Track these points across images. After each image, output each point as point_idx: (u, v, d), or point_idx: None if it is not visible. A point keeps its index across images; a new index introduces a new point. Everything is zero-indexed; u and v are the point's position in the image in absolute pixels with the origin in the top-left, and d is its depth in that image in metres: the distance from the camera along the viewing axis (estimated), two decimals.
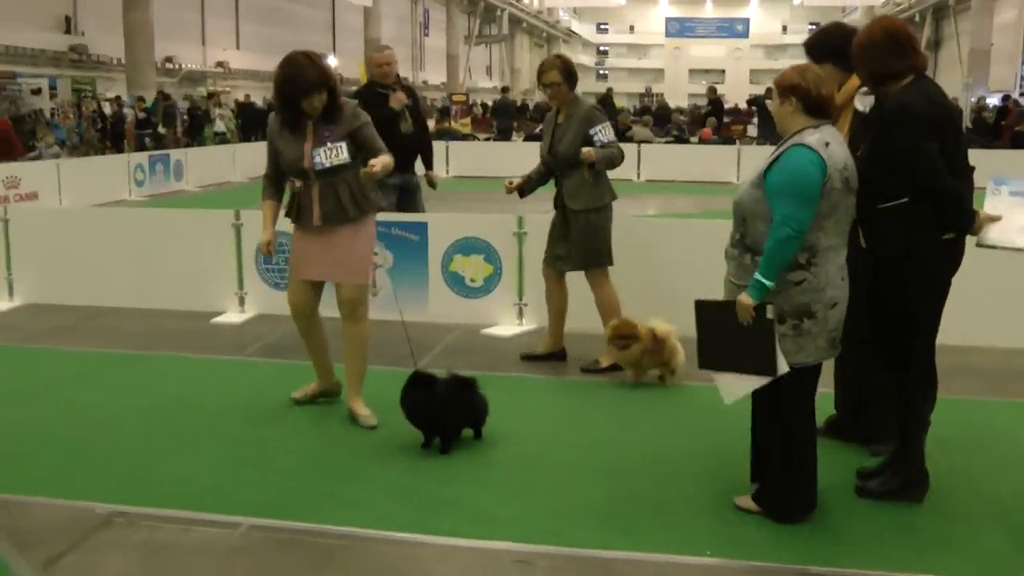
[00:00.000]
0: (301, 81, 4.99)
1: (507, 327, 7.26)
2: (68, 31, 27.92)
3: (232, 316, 7.75)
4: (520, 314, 7.30)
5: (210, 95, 28.91)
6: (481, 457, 4.83)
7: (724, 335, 3.94)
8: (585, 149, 5.99)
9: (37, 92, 21.10)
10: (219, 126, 23.55)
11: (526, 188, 6.45)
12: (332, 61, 41.40)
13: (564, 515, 4.16)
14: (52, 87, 22.02)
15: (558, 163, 6.16)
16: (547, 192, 6.49)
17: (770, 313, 3.83)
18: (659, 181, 19.57)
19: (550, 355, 6.48)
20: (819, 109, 3.93)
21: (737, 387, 4.01)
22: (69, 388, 6.04)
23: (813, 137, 3.84)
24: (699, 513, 4.19)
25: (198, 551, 3.89)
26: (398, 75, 7.75)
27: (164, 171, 17.63)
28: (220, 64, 36.09)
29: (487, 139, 26.04)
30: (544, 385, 6.05)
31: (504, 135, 25.97)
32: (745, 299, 3.83)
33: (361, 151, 5.15)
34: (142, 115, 22.94)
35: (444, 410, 4.82)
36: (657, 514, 4.18)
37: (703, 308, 4.04)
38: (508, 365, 6.39)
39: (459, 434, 4.94)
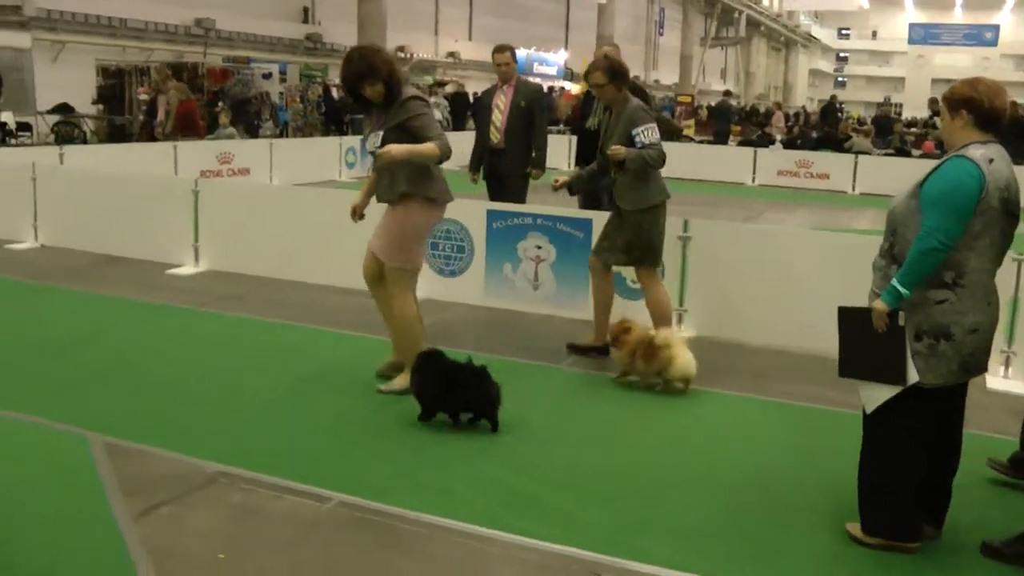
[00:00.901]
0: (347, 73, 5.41)
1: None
2: (306, 21, 29.50)
3: None
4: (679, 320, 7.06)
5: (435, 84, 29.74)
6: (575, 460, 4.70)
7: (863, 343, 3.77)
8: (614, 147, 5.95)
9: (267, 76, 22.31)
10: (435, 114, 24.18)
11: (574, 185, 6.55)
12: (562, 55, 41.83)
13: (646, 528, 3.98)
14: (282, 72, 23.26)
15: (607, 162, 6.09)
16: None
17: (901, 320, 3.67)
18: (874, 195, 18.57)
19: (594, 348, 6.42)
20: (990, 122, 3.73)
21: (877, 395, 3.79)
22: (221, 351, 6.35)
23: (978, 152, 3.65)
24: (793, 541, 3.90)
25: (283, 519, 3.97)
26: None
27: None
28: (451, 54, 37.12)
29: (701, 142, 25.52)
30: (663, 398, 5.80)
31: (720, 138, 25.41)
32: (879, 305, 3.68)
33: (415, 141, 5.28)
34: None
35: (450, 391, 4.95)
36: (746, 539, 3.93)
37: (845, 315, 3.87)
38: None
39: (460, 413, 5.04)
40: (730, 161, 20.82)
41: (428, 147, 5.26)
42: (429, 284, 7.83)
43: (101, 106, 21.94)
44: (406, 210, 5.44)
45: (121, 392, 5.49)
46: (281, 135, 21.93)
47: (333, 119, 23.20)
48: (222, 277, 8.57)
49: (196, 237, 8.90)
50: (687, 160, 19.76)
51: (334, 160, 16.98)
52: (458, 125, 25.48)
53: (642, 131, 5.99)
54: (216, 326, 7.03)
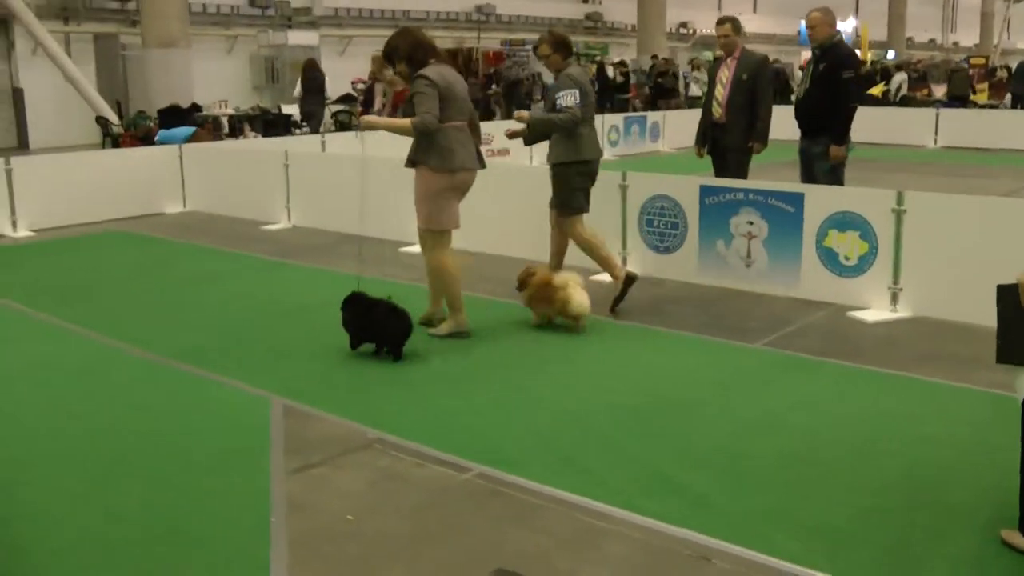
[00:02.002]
0: (382, 53, 6.20)
1: (877, 312, 6.58)
2: (585, 1, 29.78)
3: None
4: (894, 300, 6.57)
5: (714, 58, 29.09)
6: (731, 442, 4.48)
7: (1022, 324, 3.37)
8: (517, 113, 7.01)
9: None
10: (694, 90, 23.61)
11: (527, 138, 7.10)
12: (851, 23, 39.64)
13: (776, 518, 3.75)
14: None
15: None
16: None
17: None
18: None
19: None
20: None
21: None
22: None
23: None
24: (936, 548, 3.54)
25: (419, 485, 4.10)
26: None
27: (640, 132, 18.20)
28: None
29: (992, 107, 23.22)
30: (869, 377, 5.42)
31: (1019, 102, 23.05)
32: None
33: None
34: (620, 79, 23.77)
35: (378, 324, 5.72)
36: (883, 540, 3.60)
37: (1004, 293, 3.45)
38: (854, 353, 5.80)
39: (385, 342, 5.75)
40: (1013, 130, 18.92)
41: (403, 122, 5.93)
42: (644, 260, 7.78)
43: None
44: (418, 176, 6.06)
45: (322, 359, 5.86)
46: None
47: (608, 98, 23.28)
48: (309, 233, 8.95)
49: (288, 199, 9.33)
50: (971, 127, 18.31)
51: None
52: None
53: (561, 95, 6.55)
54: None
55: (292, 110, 20.48)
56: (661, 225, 7.67)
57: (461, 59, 22.67)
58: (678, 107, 22.60)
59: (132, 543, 3.64)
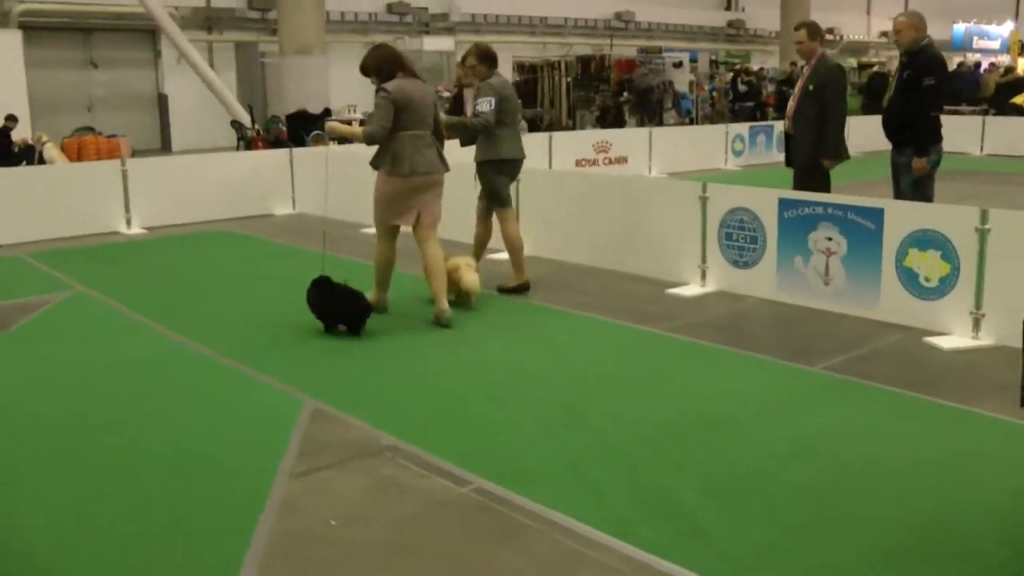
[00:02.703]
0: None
1: (956, 338, 6.15)
2: (728, 8, 29.23)
3: (689, 289, 7.65)
4: (975, 326, 6.13)
5: (860, 65, 28.15)
6: (769, 472, 4.23)
7: None
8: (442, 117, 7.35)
9: (678, 65, 22.39)
10: None
11: (460, 139, 7.62)
12: (1008, 27, 37.66)
13: (780, 557, 3.51)
14: (693, 60, 23.22)
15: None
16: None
17: None
18: None
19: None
20: None
21: None
22: (500, 335, 6.55)
23: None
24: None
25: (417, 496, 4.03)
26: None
27: (766, 142, 17.69)
28: (884, 34, 34.88)
29: None
30: (928, 408, 5.05)
31: None
32: None
33: None
34: (743, 88, 23.15)
35: (339, 305, 6.41)
36: None
37: None
38: (922, 382, 5.43)
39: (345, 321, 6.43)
40: None
41: (356, 130, 7.09)
42: (723, 275, 7.54)
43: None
44: (377, 176, 6.78)
45: (370, 363, 5.90)
46: (691, 123, 21.97)
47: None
48: (538, 263, 8.77)
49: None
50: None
51: (719, 148, 16.68)
52: (874, 106, 23.83)
53: (479, 102, 7.31)
54: (499, 311, 7.28)
55: None
56: (740, 239, 7.41)
57: (593, 66, 22.53)
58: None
59: (124, 532, 3.72)
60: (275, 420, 4.92)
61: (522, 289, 7.62)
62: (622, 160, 15.37)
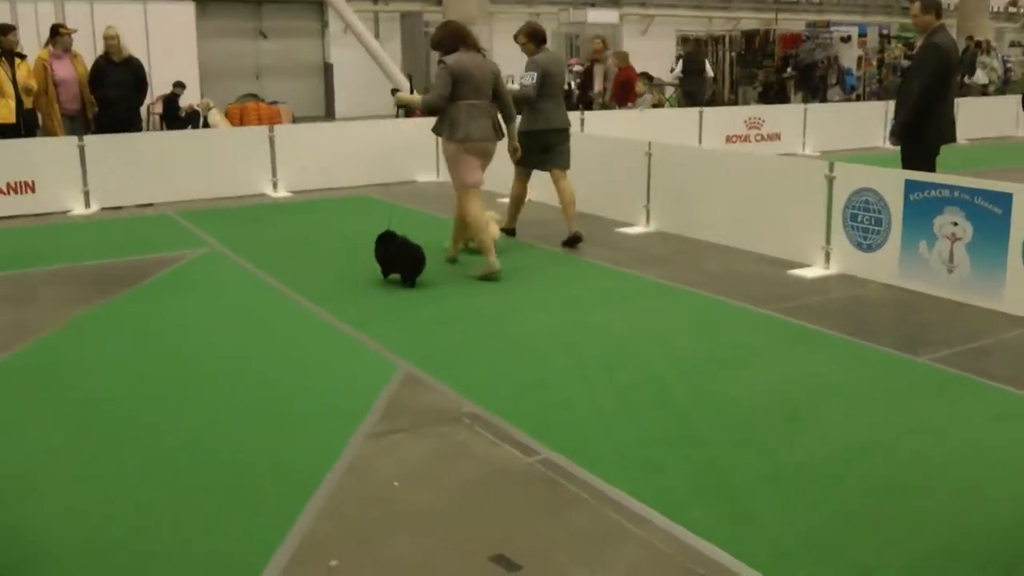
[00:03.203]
0: None
1: None
2: None
3: (812, 271, 7.45)
4: None
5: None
6: (838, 466, 4.10)
7: None
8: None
9: (846, 40, 21.54)
10: (979, 76, 21.32)
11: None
12: None
13: (825, 553, 3.41)
14: (862, 34, 22.28)
15: None
16: None
17: None
18: None
19: (505, 231, 8.50)
20: None
21: None
22: (583, 306, 6.57)
23: None
24: None
25: (483, 463, 4.12)
26: None
27: None
28: None
29: None
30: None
31: None
32: None
33: None
34: (905, 63, 21.92)
35: (394, 256, 7.05)
36: None
37: None
38: None
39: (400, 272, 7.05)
40: None
41: (415, 97, 8.29)
42: (847, 258, 7.30)
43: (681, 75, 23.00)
44: (442, 143, 7.39)
45: (470, 332, 6.03)
46: (858, 99, 21.18)
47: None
48: (664, 239, 8.74)
49: (648, 198, 9.17)
50: None
51: (877, 126, 15.95)
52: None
53: (524, 76, 8.17)
54: (614, 285, 7.27)
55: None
56: (865, 220, 7.14)
57: (758, 41, 21.95)
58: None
59: (189, 483, 3.95)
60: (367, 382, 5.09)
61: (574, 240, 8.37)
62: (775, 137, 14.95)
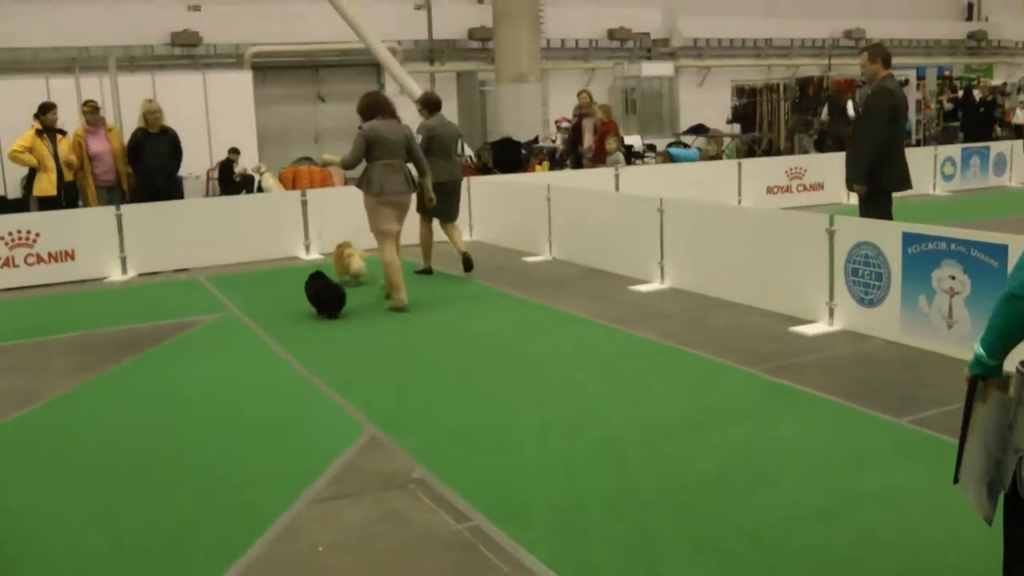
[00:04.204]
0: None
1: None
2: (969, 18, 27.39)
3: (815, 327, 7.31)
4: None
5: None
6: (785, 533, 4.01)
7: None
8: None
9: (904, 83, 21.22)
10: (1019, 116, 20.65)
11: None
12: None
13: None
14: (920, 77, 21.93)
15: None
16: None
17: (985, 397, 2.64)
18: None
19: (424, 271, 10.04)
20: None
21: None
22: (583, 367, 6.57)
23: None
24: None
25: (411, 531, 4.13)
26: None
27: (981, 165, 16.40)
28: None
29: None
30: None
31: None
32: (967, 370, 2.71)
33: None
34: (949, 106, 21.51)
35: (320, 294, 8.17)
36: None
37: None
38: None
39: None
40: None
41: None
42: (850, 314, 7.16)
43: (736, 125, 22.95)
44: (363, 198, 8.51)
45: (455, 397, 6.08)
46: (917, 144, 20.78)
47: (970, 126, 21.17)
48: (678, 296, 8.69)
49: (661, 255, 9.14)
50: None
51: (927, 172, 15.64)
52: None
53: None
54: (606, 344, 7.26)
55: (633, 140, 20.87)
56: (865, 275, 7.01)
57: (811, 88, 21.77)
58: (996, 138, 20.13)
59: (131, 536, 4.06)
60: (331, 444, 5.17)
61: (428, 272, 10.04)
62: (817, 187, 14.74)
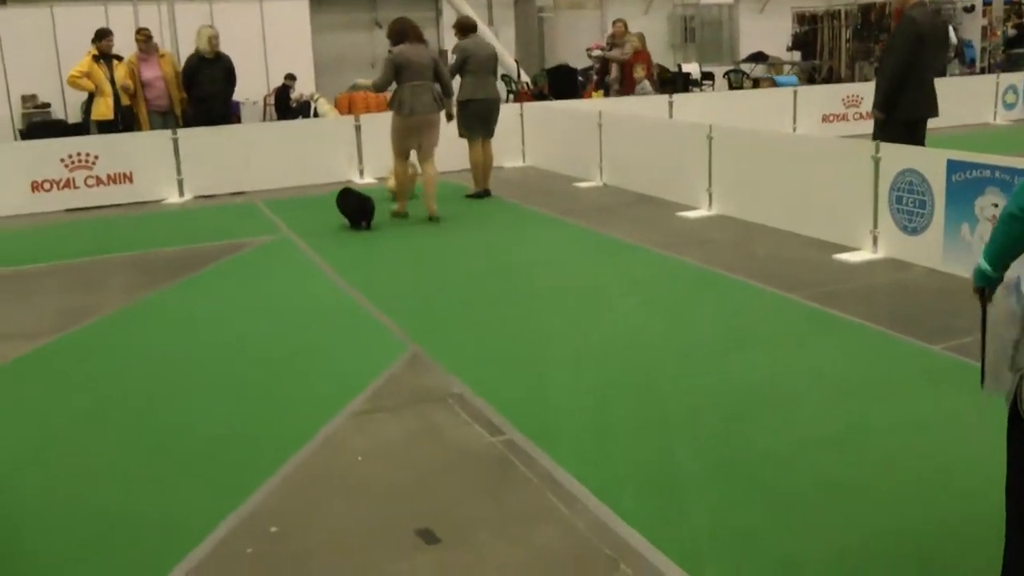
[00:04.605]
0: None
1: None
2: None
3: (858, 255, 7.31)
4: None
5: None
6: (809, 456, 4.12)
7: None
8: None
9: (969, 9, 20.63)
10: None
11: None
12: None
13: (751, 544, 3.48)
14: (986, 3, 21.23)
15: None
16: None
17: (996, 307, 2.72)
18: None
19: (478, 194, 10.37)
20: None
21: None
22: (619, 290, 6.68)
23: None
24: None
25: (446, 442, 4.30)
26: None
27: None
28: None
29: None
30: None
31: None
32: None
33: None
34: (1013, 32, 20.73)
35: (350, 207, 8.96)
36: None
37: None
38: None
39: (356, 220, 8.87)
40: None
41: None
42: (893, 242, 7.14)
43: (796, 52, 22.51)
44: (392, 117, 9.13)
45: (492, 318, 6.22)
46: (982, 72, 20.27)
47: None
48: (725, 223, 8.71)
49: (710, 182, 9.14)
50: None
51: (988, 100, 15.28)
52: None
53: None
54: (648, 269, 7.37)
55: (691, 68, 20.64)
56: (909, 203, 6.97)
57: (874, 15, 21.23)
58: None
59: (171, 451, 4.29)
60: (372, 362, 5.35)
61: (482, 195, 10.28)
62: (870, 115, 14.46)
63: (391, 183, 9.68)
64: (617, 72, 14.04)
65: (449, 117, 9.58)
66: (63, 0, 17.75)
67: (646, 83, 13.58)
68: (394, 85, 8.98)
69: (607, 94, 14.18)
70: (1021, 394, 2.63)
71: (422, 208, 9.32)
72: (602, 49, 15.35)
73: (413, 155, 9.28)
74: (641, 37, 14.20)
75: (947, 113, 14.65)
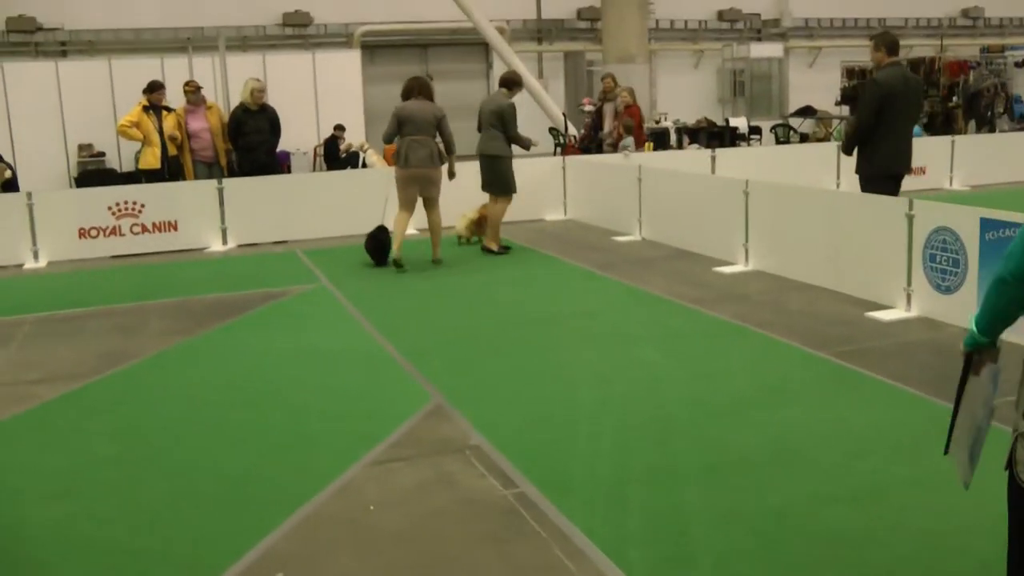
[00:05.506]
0: None
1: None
2: None
3: (891, 313, 7.25)
4: None
5: None
6: (826, 514, 4.10)
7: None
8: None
9: (1020, 64, 20.48)
10: None
11: None
12: None
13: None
14: None
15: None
16: None
17: (978, 370, 2.75)
18: None
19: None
20: None
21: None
22: (649, 345, 6.69)
23: None
24: None
25: (459, 493, 4.34)
26: None
27: None
28: None
29: None
30: None
31: None
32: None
33: None
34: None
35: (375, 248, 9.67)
36: None
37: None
38: None
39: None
40: None
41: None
42: (927, 301, 7.08)
43: (845, 107, 22.45)
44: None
45: (520, 373, 6.25)
46: None
47: None
48: (759, 278, 8.69)
49: (746, 237, 9.13)
50: None
51: None
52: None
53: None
54: (680, 322, 7.36)
55: (738, 122, 20.68)
56: (943, 261, 6.92)
57: (923, 70, 21.15)
58: None
59: (194, 491, 4.37)
60: (397, 410, 5.42)
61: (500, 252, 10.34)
62: (919, 171, 14.32)
63: (460, 227, 10.62)
64: (612, 127, 14.05)
65: (451, 175, 9.87)
66: (121, 52, 18.36)
67: (629, 140, 13.57)
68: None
69: (600, 150, 14.15)
70: (1015, 457, 2.62)
71: (456, 258, 9.43)
72: (593, 105, 15.45)
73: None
74: (631, 91, 14.18)
75: (992, 171, 14.68)
